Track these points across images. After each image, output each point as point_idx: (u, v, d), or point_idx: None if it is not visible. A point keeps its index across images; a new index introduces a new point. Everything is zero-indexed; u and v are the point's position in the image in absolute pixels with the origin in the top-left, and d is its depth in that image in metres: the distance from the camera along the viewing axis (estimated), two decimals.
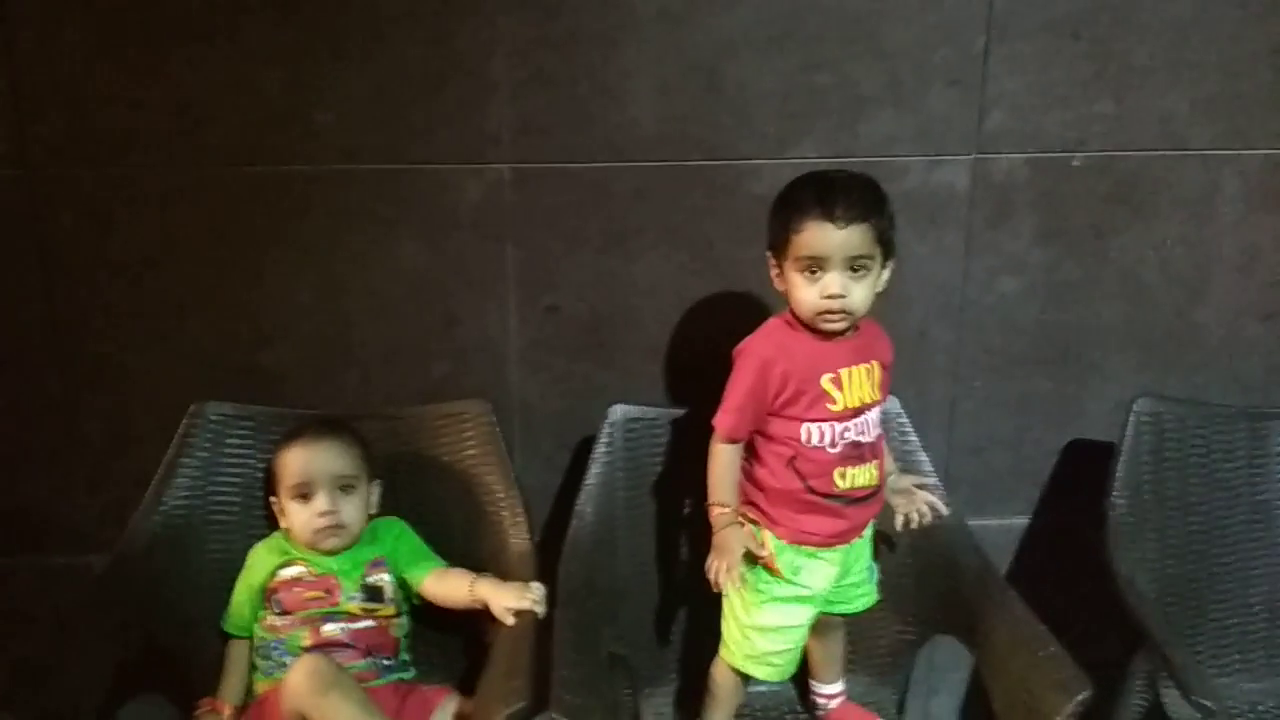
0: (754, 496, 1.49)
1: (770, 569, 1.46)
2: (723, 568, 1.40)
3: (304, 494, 1.57)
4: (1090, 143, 1.73)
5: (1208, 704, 1.36)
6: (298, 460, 1.58)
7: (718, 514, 1.45)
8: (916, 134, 1.70)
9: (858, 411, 1.44)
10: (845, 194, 1.36)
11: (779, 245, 1.41)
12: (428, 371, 1.78)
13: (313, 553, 1.60)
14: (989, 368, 1.83)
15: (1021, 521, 1.92)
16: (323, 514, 1.56)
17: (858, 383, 1.44)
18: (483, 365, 1.78)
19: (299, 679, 1.40)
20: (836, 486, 1.44)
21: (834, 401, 1.42)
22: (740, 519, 1.46)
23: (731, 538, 1.42)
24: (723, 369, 1.48)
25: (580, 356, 1.79)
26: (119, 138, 1.63)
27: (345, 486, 1.59)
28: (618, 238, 1.73)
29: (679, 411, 1.72)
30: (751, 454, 1.48)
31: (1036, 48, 1.68)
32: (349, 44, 1.61)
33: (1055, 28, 1.66)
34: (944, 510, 1.53)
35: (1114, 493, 1.67)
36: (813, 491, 1.44)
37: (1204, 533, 1.75)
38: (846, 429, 1.44)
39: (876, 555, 1.59)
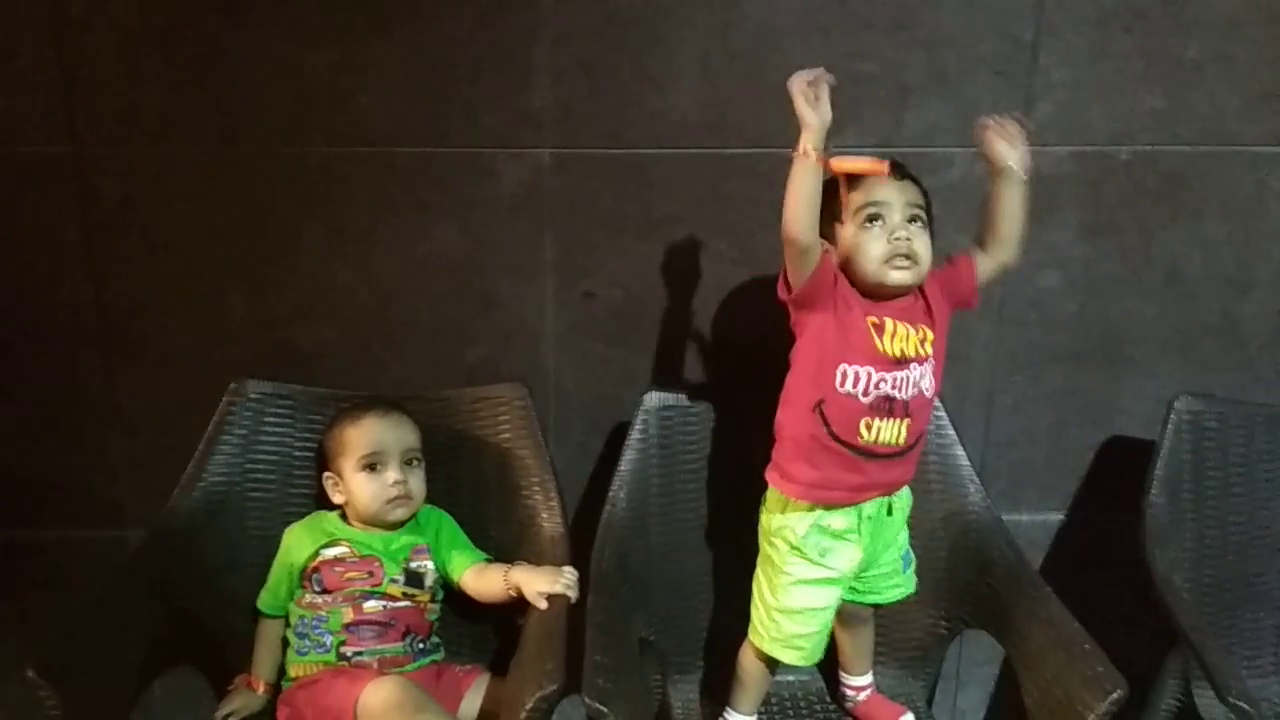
0: (777, 452, 1.49)
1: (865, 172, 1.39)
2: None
3: (374, 465, 1.60)
4: (1137, 137, 1.70)
5: (1242, 705, 1.35)
6: (371, 432, 1.60)
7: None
8: (961, 125, 1.67)
9: (898, 363, 1.42)
10: (893, 160, 1.42)
11: (832, 214, 1.42)
12: (464, 354, 1.79)
13: (359, 533, 1.62)
14: (1028, 362, 1.81)
15: (1057, 517, 1.91)
16: (395, 483, 1.59)
17: (901, 336, 1.42)
18: (519, 349, 1.79)
19: (385, 703, 1.40)
20: (861, 438, 1.42)
21: (878, 341, 1.41)
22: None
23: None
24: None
25: (616, 343, 1.79)
26: (164, 117, 1.65)
27: (412, 460, 1.62)
28: (656, 225, 1.72)
29: (713, 399, 1.71)
30: (782, 399, 1.47)
31: (1086, 40, 1.66)
32: (393, 26, 1.62)
33: (1106, 21, 1.64)
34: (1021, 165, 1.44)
35: (1152, 491, 1.66)
36: (835, 438, 1.42)
37: (1242, 533, 1.73)
38: (883, 379, 1.41)
39: (912, 545, 1.58)
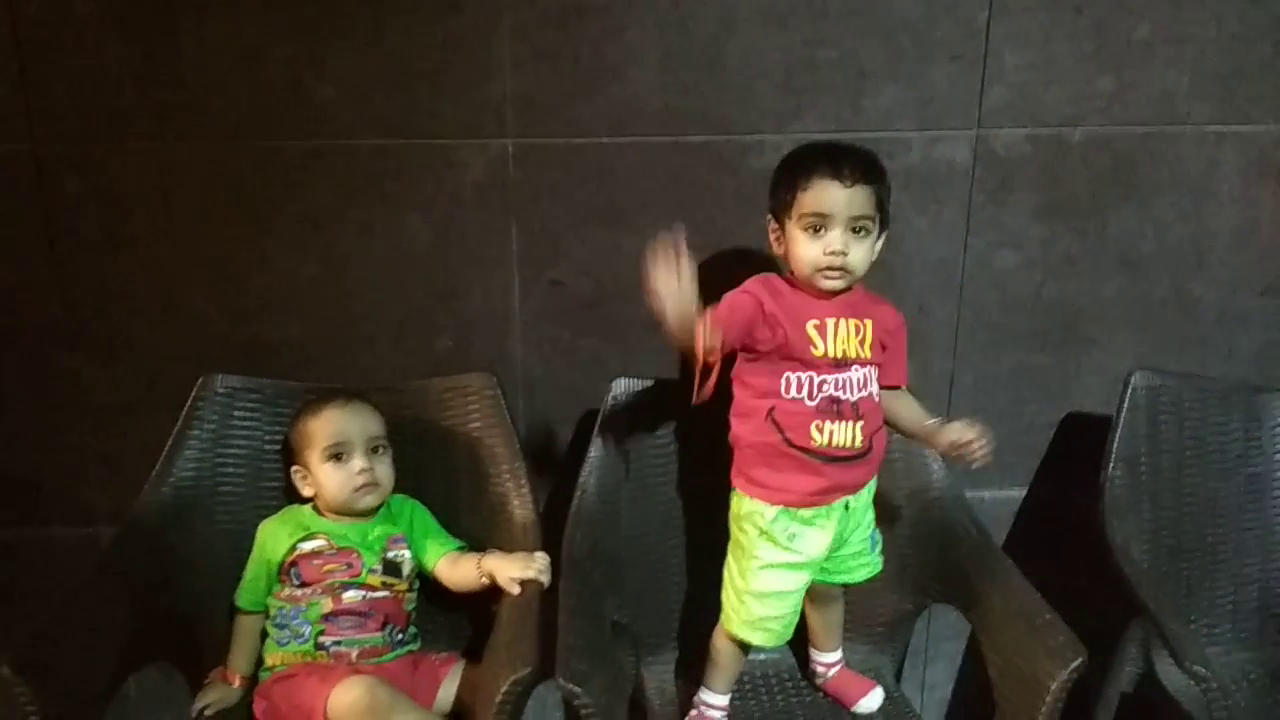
0: (738, 461, 1.51)
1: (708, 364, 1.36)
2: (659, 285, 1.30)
3: (339, 454, 1.60)
4: (1090, 118, 1.73)
5: (1201, 671, 1.39)
6: (333, 423, 1.61)
7: None
8: (918, 109, 1.71)
9: (839, 365, 1.46)
10: (852, 157, 1.42)
11: (782, 206, 1.45)
12: (432, 345, 1.79)
13: (335, 525, 1.62)
14: (987, 342, 1.84)
15: (1018, 493, 1.94)
16: (361, 471, 1.60)
17: (843, 335, 1.46)
18: (487, 339, 1.80)
19: (354, 703, 1.40)
20: (814, 441, 1.46)
21: (816, 346, 1.44)
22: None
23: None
24: None
25: (583, 330, 1.80)
26: (124, 112, 1.64)
27: (377, 448, 1.63)
28: (620, 212, 1.74)
29: (681, 384, 1.73)
30: (733, 412, 1.51)
31: (1038, 23, 1.68)
32: (353, 19, 1.62)
33: (1057, 3, 1.67)
34: (987, 452, 1.48)
35: (1110, 465, 1.69)
36: (790, 445, 1.46)
37: (1198, 505, 1.77)
38: (825, 381, 1.45)
39: (877, 524, 1.61)
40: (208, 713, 1.54)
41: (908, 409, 1.56)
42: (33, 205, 1.67)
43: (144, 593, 1.53)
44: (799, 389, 1.45)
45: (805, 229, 1.43)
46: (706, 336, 1.32)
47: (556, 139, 1.69)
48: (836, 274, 1.43)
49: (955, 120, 1.72)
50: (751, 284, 1.48)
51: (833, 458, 1.47)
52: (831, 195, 1.40)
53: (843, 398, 1.46)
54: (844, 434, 1.47)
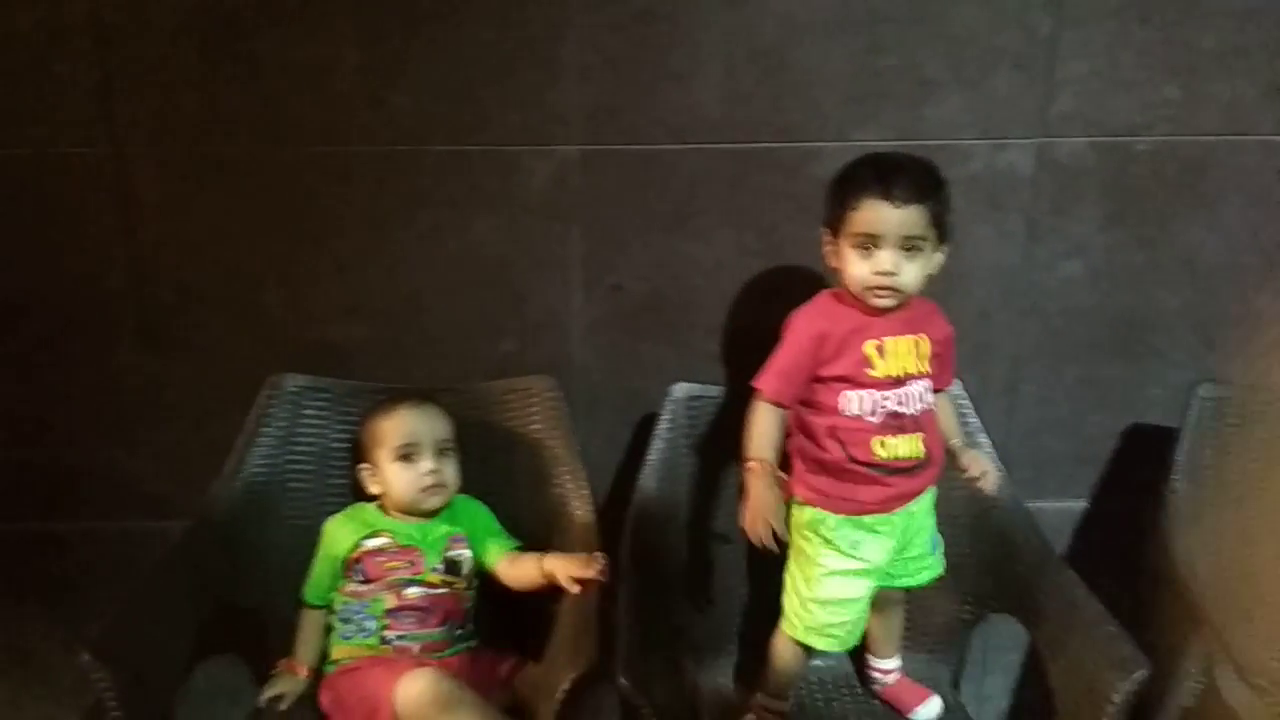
0: (800, 470, 1.52)
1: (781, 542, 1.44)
2: (758, 528, 1.40)
3: (408, 455, 1.64)
4: (1156, 127, 1.72)
5: (1264, 685, 1.37)
6: (405, 424, 1.64)
7: (752, 467, 1.44)
8: (981, 117, 1.71)
9: (899, 381, 1.46)
10: (904, 175, 1.40)
11: (835, 221, 1.45)
12: (495, 347, 1.82)
13: (398, 523, 1.66)
14: (1050, 351, 1.83)
15: (1078, 505, 1.93)
16: (429, 473, 1.63)
17: (901, 352, 1.46)
18: (548, 342, 1.82)
19: (419, 695, 1.43)
20: (876, 455, 1.46)
21: (873, 367, 1.44)
22: (776, 476, 1.45)
23: (765, 493, 1.41)
24: None
25: (643, 335, 1.82)
26: (201, 118, 1.69)
27: (445, 450, 1.66)
28: (682, 219, 1.76)
29: (740, 390, 1.74)
30: (796, 428, 1.51)
31: (1103, 31, 1.68)
32: (423, 26, 1.65)
33: (1123, 12, 1.66)
34: (992, 490, 1.56)
35: (1174, 477, 1.68)
36: (854, 460, 1.47)
37: (1263, 518, 1.74)
38: (886, 398, 1.46)
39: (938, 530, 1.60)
40: (280, 706, 1.58)
41: (943, 418, 1.56)
42: (112, 208, 1.72)
43: (214, 586, 1.58)
44: (859, 406, 1.46)
45: (855, 247, 1.43)
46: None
47: (620, 145, 1.72)
48: (885, 293, 1.43)
49: (1019, 129, 1.72)
50: (804, 311, 1.49)
51: (896, 470, 1.48)
52: (881, 216, 1.39)
53: (904, 412, 1.47)
54: (906, 446, 1.48)
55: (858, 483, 1.48)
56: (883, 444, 1.46)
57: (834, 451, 1.47)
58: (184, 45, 1.65)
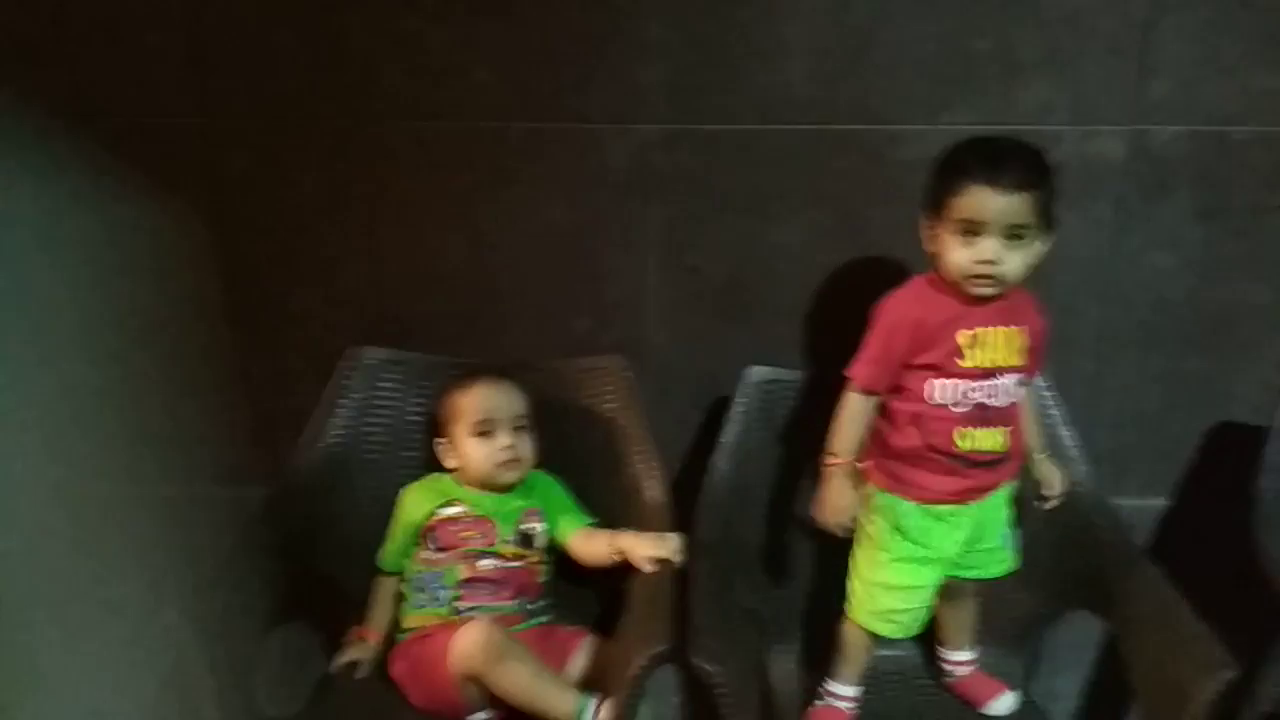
0: (877, 454, 1.50)
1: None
2: (829, 525, 1.45)
3: (485, 431, 1.65)
4: (1253, 117, 1.67)
5: None
6: (482, 400, 1.66)
7: (831, 463, 1.45)
8: (1073, 103, 1.67)
9: (988, 373, 1.43)
10: (1011, 161, 1.36)
11: (936, 205, 1.40)
12: (569, 326, 1.82)
13: (474, 494, 1.67)
14: (1135, 344, 1.79)
15: (1159, 503, 1.88)
16: (505, 448, 1.64)
17: (995, 344, 1.42)
18: (623, 322, 1.82)
19: (472, 646, 1.46)
20: (957, 446, 1.44)
21: (964, 358, 1.41)
22: (856, 472, 1.46)
23: (841, 491, 1.45)
24: (860, 333, 1.50)
25: (718, 317, 1.81)
26: (289, 91, 1.70)
27: (521, 426, 1.67)
28: (761, 200, 1.74)
29: (815, 374, 1.73)
30: (877, 411, 1.49)
31: (1201, 17, 1.63)
32: (510, 3, 1.65)
33: None
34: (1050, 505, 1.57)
35: (1263, 476, 1.63)
36: (934, 450, 1.44)
37: None
38: (973, 389, 1.42)
39: (1017, 522, 1.58)
40: (357, 674, 1.61)
41: (1027, 418, 1.54)
42: (201, 179, 1.75)
43: (292, 552, 1.59)
44: (944, 395, 1.43)
45: (957, 234, 1.38)
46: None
47: (701, 125, 1.70)
48: (986, 282, 1.39)
49: (1111, 115, 1.68)
50: (898, 297, 1.45)
51: (976, 462, 1.45)
52: (987, 203, 1.35)
53: (991, 404, 1.44)
54: (989, 440, 1.45)
55: (934, 472, 1.46)
56: (964, 435, 1.44)
57: (913, 439, 1.45)
58: (275, 17, 1.67)
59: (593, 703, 1.43)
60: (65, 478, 1.90)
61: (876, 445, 1.50)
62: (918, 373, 1.43)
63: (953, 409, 1.43)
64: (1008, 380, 1.45)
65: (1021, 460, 1.52)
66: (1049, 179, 1.38)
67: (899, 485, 1.48)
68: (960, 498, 1.48)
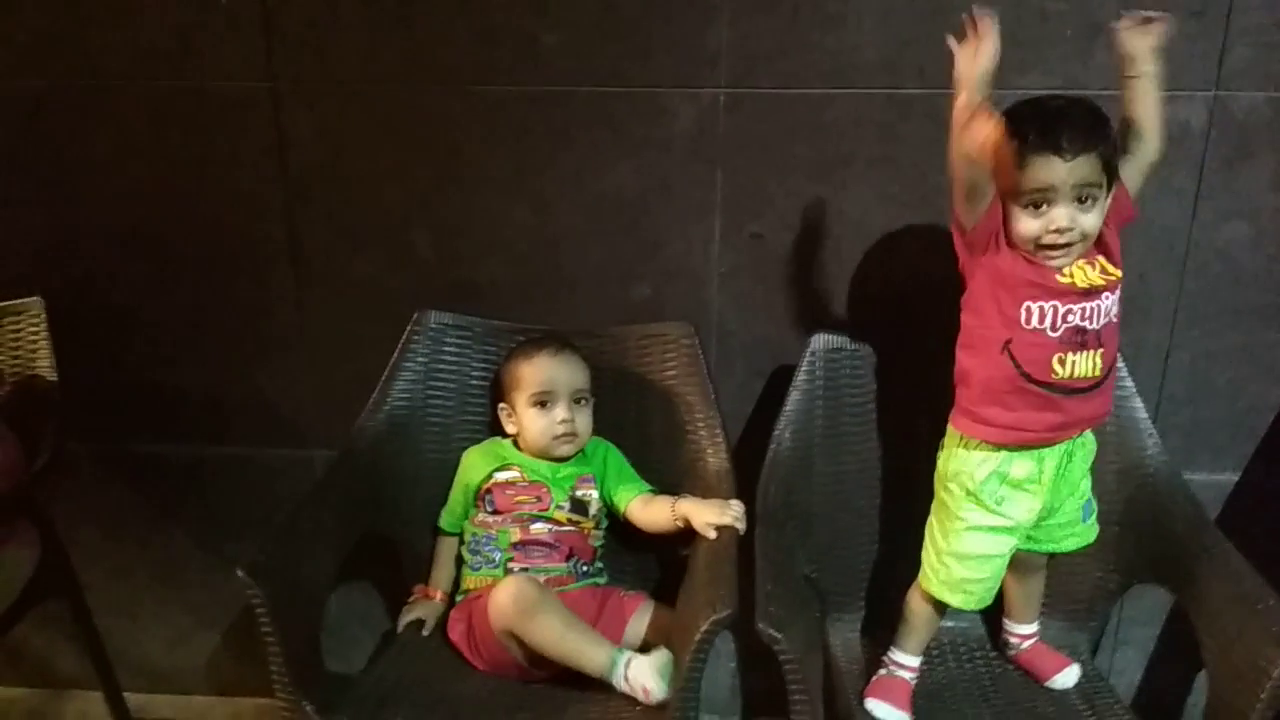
0: (963, 400, 1.47)
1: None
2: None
3: (544, 402, 1.66)
4: None
5: None
6: (543, 370, 1.66)
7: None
8: None
9: (1085, 294, 1.38)
10: (1070, 122, 1.33)
11: (1008, 182, 1.36)
12: (631, 293, 1.81)
13: (529, 459, 1.68)
14: (1210, 315, 1.75)
15: (1230, 478, 1.84)
16: (562, 421, 1.65)
17: (1087, 272, 1.39)
18: (685, 289, 1.81)
19: (505, 601, 1.48)
20: (1055, 374, 1.39)
21: (1063, 275, 1.37)
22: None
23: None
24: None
25: (781, 284, 1.79)
26: (358, 56, 1.71)
27: (580, 399, 1.68)
28: (828, 166, 1.72)
29: (879, 343, 1.71)
30: (960, 343, 1.46)
31: None
32: None
33: None
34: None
35: None
36: (1029, 379, 1.40)
37: None
38: (1070, 311, 1.38)
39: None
40: (424, 631, 1.64)
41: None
42: (269, 142, 1.76)
43: (357, 513, 1.62)
44: (1041, 319, 1.38)
45: (1026, 206, 1.35)
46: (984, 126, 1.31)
47: (768, 89, 1.68)
48: (1060, 251, 1.36)
49: (1191, 80, 1.63)
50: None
51: (1072, 390, 1.41)
52: (1052, 171, 1.32)
53: (1089, 327, 1.39)
54: (1085, 364, 1.40)
55: (1030, 408, 1.41)
56: (1062, 361, 1.39)
57: (1005, 369, 1.40)
58: None
59: (626, 654, 1.44)
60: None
61: (967, 389, 1.46)
62: (1014, 292, 1.38)
63: (1049, 334, 1.38)
64: (1107, 301, 1.40)
65: (1112, 400, 1.48)
66: (1109, 132, 1.35)
67: (991, 430, 1.43)
68: (1054, 436, 1.44)
